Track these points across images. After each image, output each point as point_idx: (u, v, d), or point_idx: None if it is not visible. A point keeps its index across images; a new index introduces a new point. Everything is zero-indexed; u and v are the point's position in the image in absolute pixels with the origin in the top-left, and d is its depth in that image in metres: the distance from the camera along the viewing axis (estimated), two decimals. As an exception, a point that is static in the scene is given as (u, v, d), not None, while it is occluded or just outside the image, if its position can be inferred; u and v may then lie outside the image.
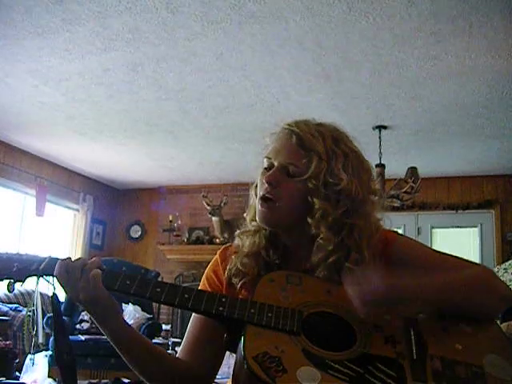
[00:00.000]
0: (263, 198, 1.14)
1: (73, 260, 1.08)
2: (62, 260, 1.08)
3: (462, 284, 1.08)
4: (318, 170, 1.10)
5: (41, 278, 1.10)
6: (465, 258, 1.18)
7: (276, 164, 1.14)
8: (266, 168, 1.17)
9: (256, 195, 1.18)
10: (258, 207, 1.15)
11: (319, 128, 1.16)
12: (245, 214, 1.24)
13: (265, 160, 1.17)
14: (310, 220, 1.11)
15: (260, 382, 0.92)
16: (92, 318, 1.09)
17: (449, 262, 1.16)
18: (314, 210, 1.10)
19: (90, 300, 1.04)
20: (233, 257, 1.20)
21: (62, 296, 1.15)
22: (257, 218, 1.16)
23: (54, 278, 1.08)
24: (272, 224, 1.15)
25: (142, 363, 1.14)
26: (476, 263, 1.17)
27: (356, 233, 1.11)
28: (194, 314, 1.20)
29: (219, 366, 1.23)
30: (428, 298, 1.05)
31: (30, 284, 1.13)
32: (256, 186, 1.20)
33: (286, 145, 1.14)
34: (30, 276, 1.09)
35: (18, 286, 1.10)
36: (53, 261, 1.09)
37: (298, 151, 1.12)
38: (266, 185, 1.13)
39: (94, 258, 1.09)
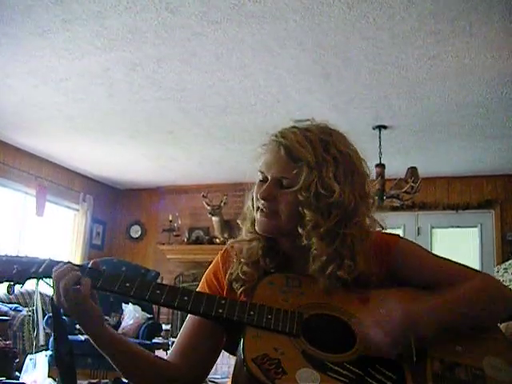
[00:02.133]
0: (261, 211, 1.14)
1: (65, 276, 1.05)
2: (56, 269, 1.06)
3: (470, 302, 1.07)
4: (308, 181, 1.08)
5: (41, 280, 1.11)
6: (465, 261, 1.18)
7: (269, 177, 1.13)
8: (261, 180, 1.16)
9: (253, 206, 1.18)
10: (257, 217, 1.15)
11: (307, 134, 1.13)
12: (238, 221, 1.23)
13: (259, 173, 1.16)
14: (301, 231, 1.10)
15: (259, 384, 0.93)
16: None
17: (450, 268, 1.16)
18: (306, 222, 1.09)
19: (70, 314, 1.05)
20: (234, 260, 1.19)
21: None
22: (256, 227, 1.15)
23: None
24: (271, 232, 1.15)
25: (126, 368, 1.13)
26: (477, 270, 1.17)
27: (349, 241, 1.10)
28: (190, 315, 1.19)
29: (209, 371, 1.21)
30: (440, 322, 1.03)
31: (31, 284, 1.13)
32: (252, 197, 1.19)
33: (276, 157, 1.13)
34: (30, 278, 1.09)
35: (17, 288, 1.11)
36: (53, 263, 1.09)
37: (288, 163, 1.11)
38: (262, 200, 1.13)
39: (86, 279, 1.05)
